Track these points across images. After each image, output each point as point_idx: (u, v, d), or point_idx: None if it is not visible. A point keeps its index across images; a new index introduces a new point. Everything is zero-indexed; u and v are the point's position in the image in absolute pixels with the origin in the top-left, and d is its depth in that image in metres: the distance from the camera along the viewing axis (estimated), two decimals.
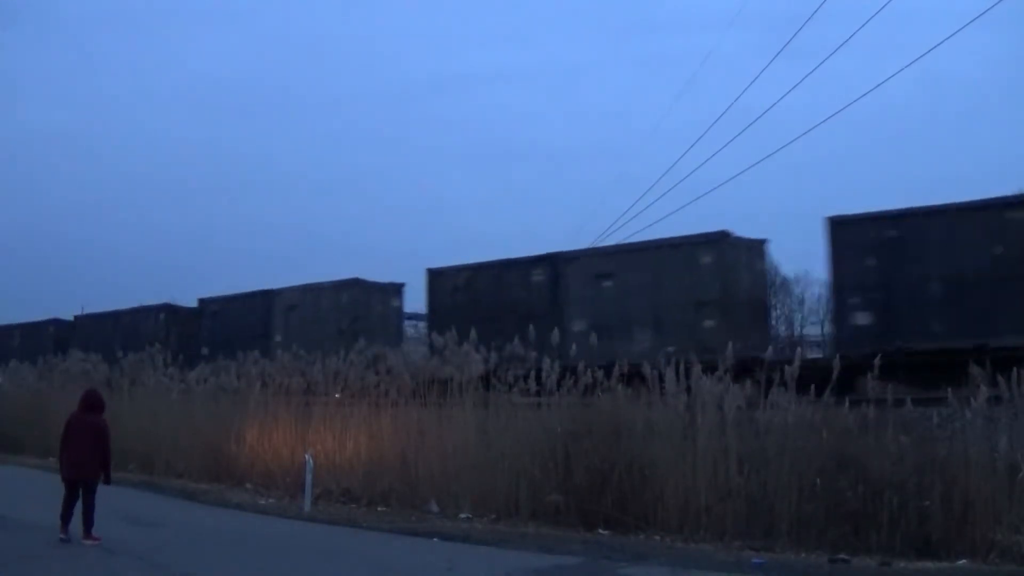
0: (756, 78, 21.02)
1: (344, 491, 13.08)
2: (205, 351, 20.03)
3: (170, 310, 28.66)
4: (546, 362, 12.01)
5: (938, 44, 18.22)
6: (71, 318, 32.51)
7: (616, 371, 11.45)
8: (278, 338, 23.59)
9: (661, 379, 10.81)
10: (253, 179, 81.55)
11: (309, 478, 12.53)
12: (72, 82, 78.03)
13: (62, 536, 9.15)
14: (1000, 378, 9.31)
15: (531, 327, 13.23)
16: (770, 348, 12.95)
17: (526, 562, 8.63)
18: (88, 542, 9.11)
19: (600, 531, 10.19)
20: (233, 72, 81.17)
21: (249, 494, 13.93)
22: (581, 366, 11.80)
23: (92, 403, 9.63)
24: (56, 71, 79.86)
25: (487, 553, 9.22)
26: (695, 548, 9.31)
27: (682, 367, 10.80)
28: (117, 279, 55.34)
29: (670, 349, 14.39)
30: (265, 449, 14.88)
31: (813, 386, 10.16)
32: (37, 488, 14.97)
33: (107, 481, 9.49)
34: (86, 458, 9.25)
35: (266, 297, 25.70)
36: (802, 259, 38.77)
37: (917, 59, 18.98)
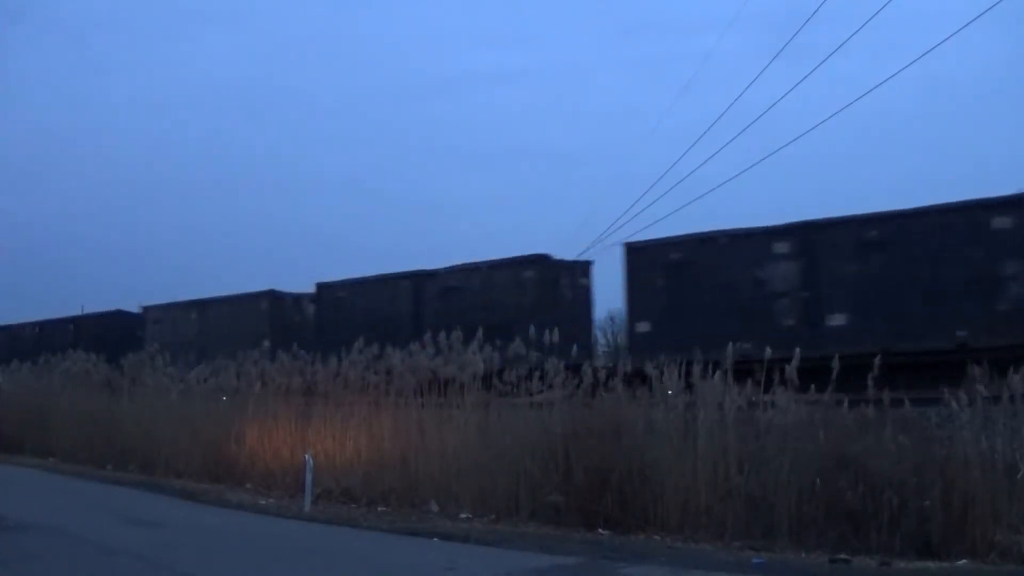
0: (756, 78, 20.88)
1: (344, 491, 13.06)
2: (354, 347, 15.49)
3: (275, 297, 26.14)
4: (551, 361, 11.69)
5: (938, 44, 18.10)
6: (138, 309, 29.85)
7: (620, 370, 11.39)
8: (430, 326, 19.01)
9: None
10: (254, 178, 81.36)
11: (309, 478, 12.53)
12: (72, 82, 77.81)
13: None
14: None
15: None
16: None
17: (526, 562, 8.62)
18: None
19: (600, 531, 10.16)
20: (233, 72, 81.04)
21: (249, 494, 13.91)
22: (836, 361, 9.97)
23: None
24: (56, 71, 79.66)
25: (487, 553, 9.21)
26: (695, 548, 9.29)
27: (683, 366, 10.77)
28: (117, 279, 55.23)
29: (961, 334, 13.42)
30: (265, 449, 14.87)
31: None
32: (37, 488, 15.04)
33: None
34: None
35: (415, 279, 22.78)
36: None
37: (917, 59, 18.91)
